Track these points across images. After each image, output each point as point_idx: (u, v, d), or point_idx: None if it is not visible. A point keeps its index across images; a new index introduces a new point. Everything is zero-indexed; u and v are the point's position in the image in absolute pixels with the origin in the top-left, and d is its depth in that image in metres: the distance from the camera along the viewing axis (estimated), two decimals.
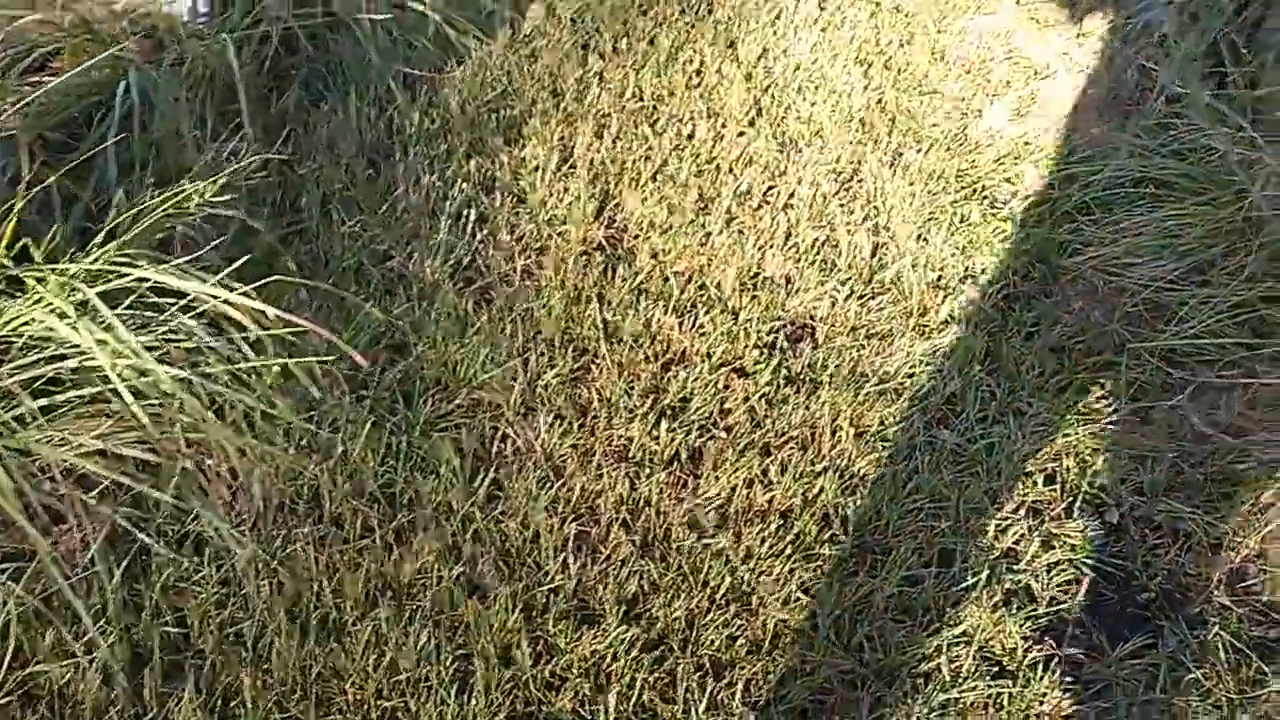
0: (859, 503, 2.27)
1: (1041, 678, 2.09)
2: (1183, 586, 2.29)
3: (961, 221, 2.86)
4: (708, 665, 1.96)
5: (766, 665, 1.98)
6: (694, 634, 2.00)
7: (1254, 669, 2.13)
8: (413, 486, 2.09)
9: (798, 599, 2.08)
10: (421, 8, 2.70)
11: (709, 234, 2.66)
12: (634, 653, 1.94)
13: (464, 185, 2.62)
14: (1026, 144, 3.07)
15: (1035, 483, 2.39)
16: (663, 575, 2.05)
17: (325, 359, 2.01)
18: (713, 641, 1.99)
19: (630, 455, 2.22)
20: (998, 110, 3.16)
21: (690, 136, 2.88)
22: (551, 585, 2.00)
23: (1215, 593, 2.27)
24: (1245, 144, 2.47)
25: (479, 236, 2.53)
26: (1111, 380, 2.54)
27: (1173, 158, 2.74)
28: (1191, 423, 2.35)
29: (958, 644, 2.10)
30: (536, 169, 2.68)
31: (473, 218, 2.56)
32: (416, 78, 2.82)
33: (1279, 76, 2.57)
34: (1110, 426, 2.47)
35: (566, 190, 2.65)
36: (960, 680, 2.05)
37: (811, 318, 2.60)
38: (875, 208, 2.84)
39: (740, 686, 1.94)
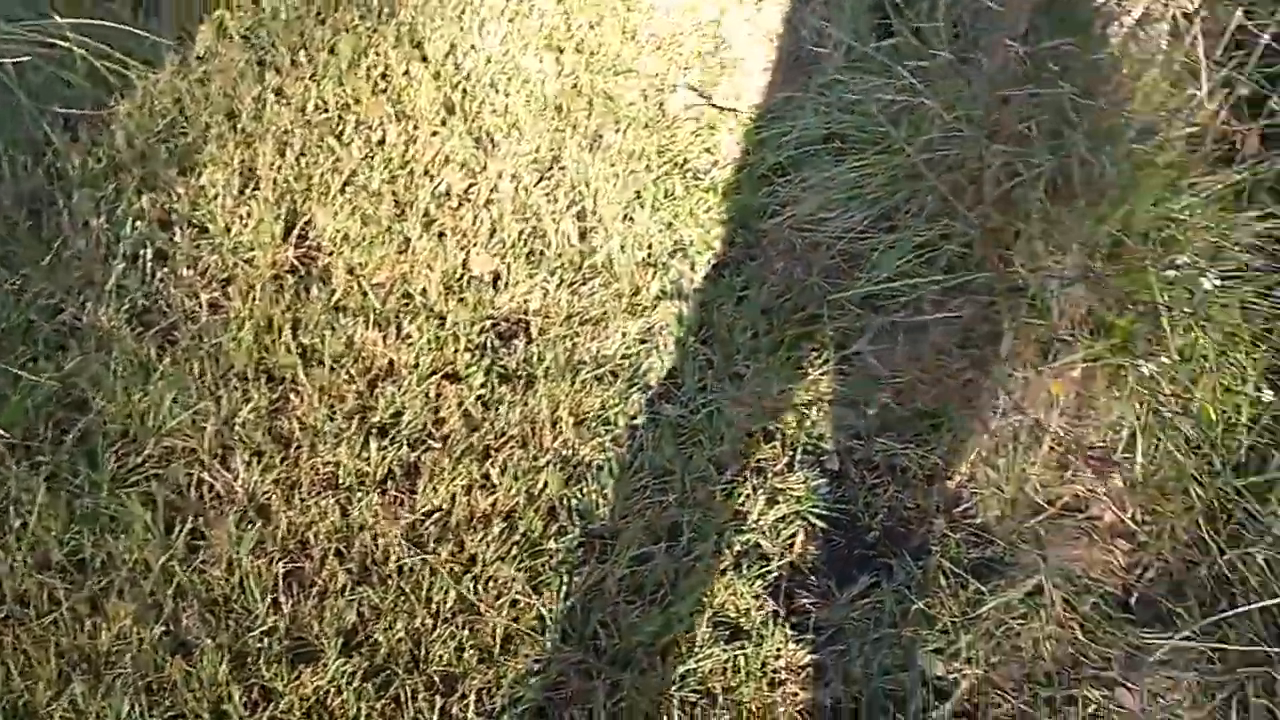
0: (585, 491, 2.26)
1: (775, 633, 2.13)
2: (904, 521, 2.38)
3: (666, 197, 2.88)
4: (437, 682, 1.91)
5: (498, 671, 1.94)
6: (421, 652, 1.95)
7: (972, 590, 2.22)
8: (104, 549, 1.96)
9: (527, 599, 2.05)
10: (68, 45, 2.53)
11: (408, 240, 2.60)
12: (356, 683, 1.87)
13: (138, 224, 2.48)
14: (721, 113, 3.12)
15: (757, 442, 2.43)
16: (383, 599, 1.99)
17: None
18: (441, 657, 1.94)
19: (340, 481, 2.15)
20: (691, 83, 3.21)
21: (381, 143, 2.81)
22: (263, 628, 1.91)
23: (934, 522, 2.36)
24: (908, 91, 2.57)
25: (159, 276, 2.40)
26: (819, 333, 2.60)
27: (850, 112, 2.83)
28: (869, 364, 2.43)
29: (691, 614, 2.12)
30: (216, 197, 2.56)
31: (149, 257, 2.42)
32: (77, 117, 2.65)
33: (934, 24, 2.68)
34: (822, 377, 2.53)
35: (250, 214, 2.54)
36: (696, 649, 2.06)
37: (524, 312, 2.57)
38: (579, 193, 2.83)
39: (472, 698, 1.90)
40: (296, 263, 2.53)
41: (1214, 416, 2.20)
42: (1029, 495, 2.33)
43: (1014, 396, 2.32)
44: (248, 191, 2.62)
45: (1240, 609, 2.03)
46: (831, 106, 2.90)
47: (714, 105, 3.11)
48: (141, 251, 2.42)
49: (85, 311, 2.29)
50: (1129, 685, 2.10)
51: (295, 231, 2.56)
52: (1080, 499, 2.35)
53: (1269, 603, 1.97)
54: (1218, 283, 2.19)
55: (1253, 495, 2.14)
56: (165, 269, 2.42)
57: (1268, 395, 2.13)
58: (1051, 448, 2.33)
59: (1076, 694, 2.09)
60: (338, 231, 2.58)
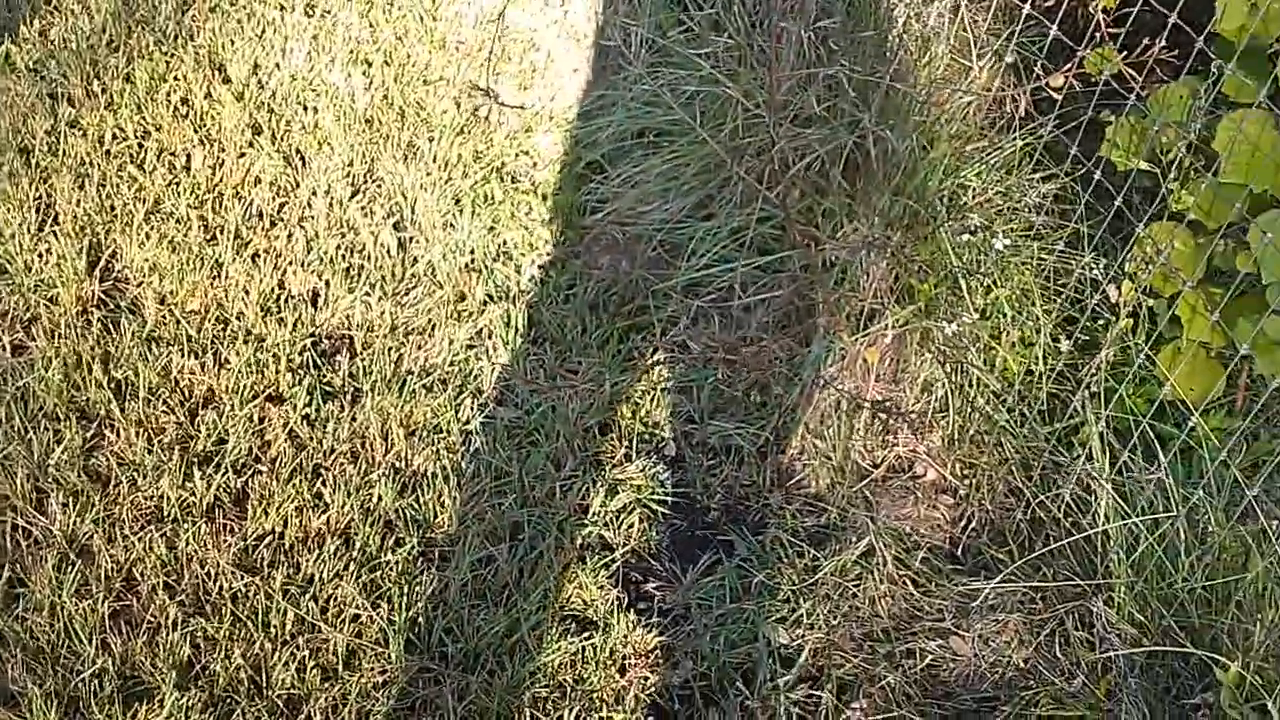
0: (421, 500, 2.25)
1: (621, 620, 2.15)
2: (742, 498, 2.43)
3: (485, 201, 2.89)
4: (280, 706, 1.88)
5: (344, 688, 1.92)
6: (262, 678, 1.91)
7: (810, 558, 2.29)
8: None
9: (368, 613, 2.03)
10: None
11: (220, 265, 2.55)
12: (196, 716, 1.83)
13: None
14: (536, 115, 3.14)
15: (594, 436, 2.45)
16: (218, 628, 1.95)
17: None
18: (283, 680, 1.91)
19: (165, 514, 2.09)
20: (504, 87, 3.22)
21: (185, 168, 2.75)
22: (92, 670, 1.85)
23: (770, 496, 2.42)
24: (709, 81, 2.63)
25: None
26: (646, 323, 2.65)
27: (659, 105, 2.89)
28: (690, 347, 2.49)
29: (537, 611, 2.13)
30: (13, 235, 2.47)
31: None
32: None
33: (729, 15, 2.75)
34: (653, 367, 2.57)
35: (50, 250, 2.45)
36: (544, 645, 2.07)
37: (346, 327, 2.54)
38: (396, 204, 2.82)
39: (319, 718, 1.88)
40: (104, 296, 2.46)
41: (1016, 369, 2.32)
42: (855, 461, 2.42)
43: (833, 368, 2.40)
44: (46, 227, 2.53)
45: (1053, 545, 2.14)
46: (640, 101, 2.95)
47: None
48: None
49: None
50: (961, 633, 2.19)
51: (100, 265, 2.49)
52: (903, 460, 2.44)
53: (1076, 536, 2.08)
54: (1008, 243, 2.30)
55: (1058, 441, 2.26)
56: None
57: (1064, 345, 2.25)
58: (872, 414, 2.42)
59: (914, 646, 2.17)
60: (145, 261, 2.51)
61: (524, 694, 2.00)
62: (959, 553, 2.32)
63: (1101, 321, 2.25)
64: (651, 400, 2.53)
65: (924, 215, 2.24)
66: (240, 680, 1.89)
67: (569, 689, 2.05)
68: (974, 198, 2.35)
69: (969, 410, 2.39)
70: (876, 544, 2.27)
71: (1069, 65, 2.21)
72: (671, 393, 2.56)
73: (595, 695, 2.04)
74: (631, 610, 2.18)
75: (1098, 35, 2.13)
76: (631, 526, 2.33)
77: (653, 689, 2.09)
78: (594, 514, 2.32)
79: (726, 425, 2.51)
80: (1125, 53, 2.14)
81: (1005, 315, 2.31)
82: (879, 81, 2.34)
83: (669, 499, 2.39)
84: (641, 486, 2.39)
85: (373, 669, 1.96)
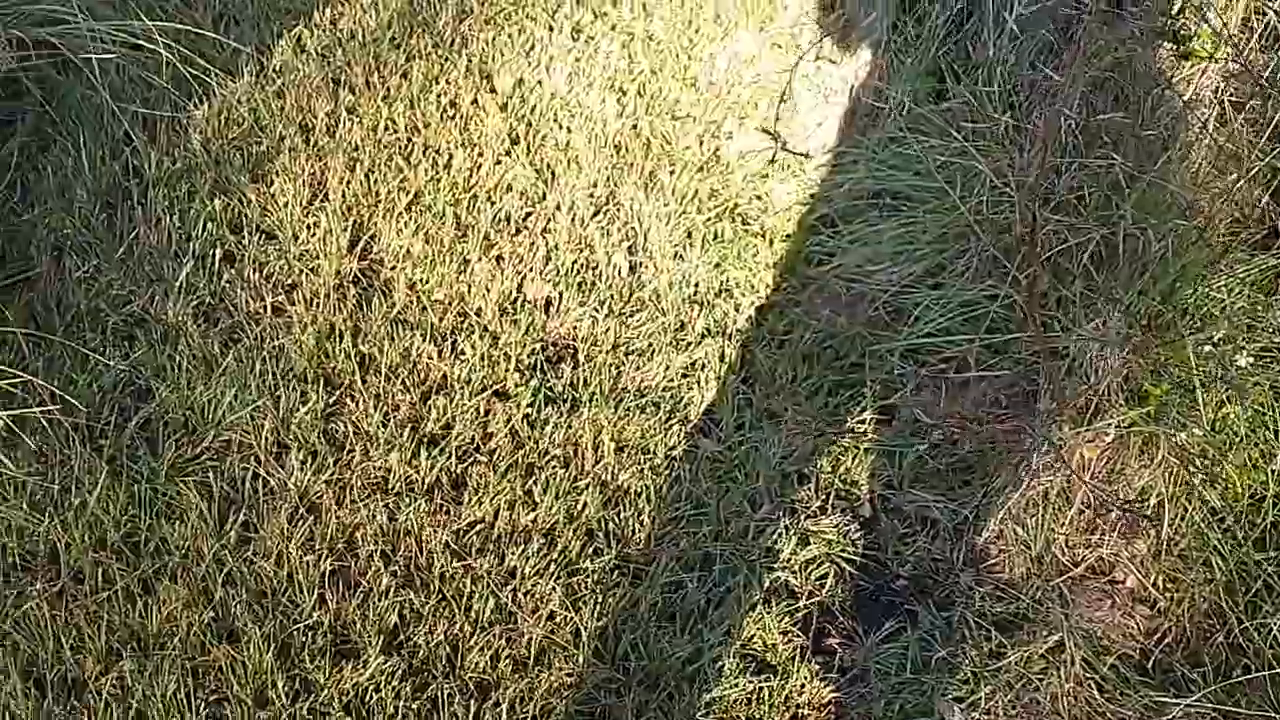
0: (622, 515, 2.32)
1: (800, 669, 2.17)
2: (931, 571, 2.42)
3: (715, 238, 2.95)
4: (471, 688, 1.97)
5: (532, 682, 1.99)
6: (458, 658, 2.00)
7: (995, 643, 2.27)
8: (158, 534, 2.03)
9: (561, 615, 2.10)
10: (156, 47, 2.63)
11: (467, 261, 2.68)
12: (394, 683, 1.92)
13: (209, 225, 2.57)
14: (773, 163, 3.20)
15: (792, 484, 2.48)
16: (424, 603, 2.05)
17: (49, 409, 1.93)
18: (476, 664, 2.00)
19: (389, 486, 2.21)
20: (746, 132, 3.29)
21: (447, 166, 2.90)
22: (308, 622, 1.97)
23: (961, 574, 2.40)
24: (961, 154, 2.64)
25: (226, 276, 2.48)
26: (858, 381, 2.66)
27: (904, 170, 2.91)
28: (914, 416, 2.49)
29: (720, 644, 2.17)
30: (286, 205, 2.65)
31: (218, 257, 2.51)
32: (157, 118, 2.75)
33: (989, 90, 2.76)
34: (858, 425, 2.59)
35: (318, 225, 2.63)
36: (722, 678, 2.11)
37: (573, 338, 2.64)
38: (632, 229, 2.91)
39: (505, 706, 1.95)
40: (360, 274, 2.61)
41: (1240, 490, 2.25)
42: (1055, 555, 2.38)
43: (1047, 457, 2.37)
44: (316, 203, 2.71)
45: (1253, 675, 2.07)
46: (885, 163, 2.98)
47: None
48: (211, 252, 2.51)
49: (154, 305, 2.37)
50: None
51: (360, 245, 2.64)
52: (1105, 562, 2.39)
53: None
54: (1251, 360, 2.24)
55: (1272, 568, 2.18)
56: (232, 270, 2.51)
57: None
58: (1081, 510, 2.38)
59: None
60: (401, 247, 2.66)
61: None
62: (1149, 666, 2.26)
63: None
64: (853, 458, 2.54)
65: (1167, 319, 2.21)
66: (439, 657, 1.98)
67: None
68: (1221, 310, 2.30)
69: (1182, 523, 2.33)
70: (1067, 641, 2.23)
71: None
72: (874, 454, 2.57)
73: None
74: (811, 661, 2.20)
75: None
76: (819, 579, 2.35)
77: None
78: (784, 560, 2.34)
79: (925, 496, 2.50)
80: None
81: (1238, 433, 2.25)
82: (1139, 176, 2.31)
83: (858, 559, 2.40)
84: (833, 542, 2.41)
85: (561, 669, 2.03)
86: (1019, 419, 2.48)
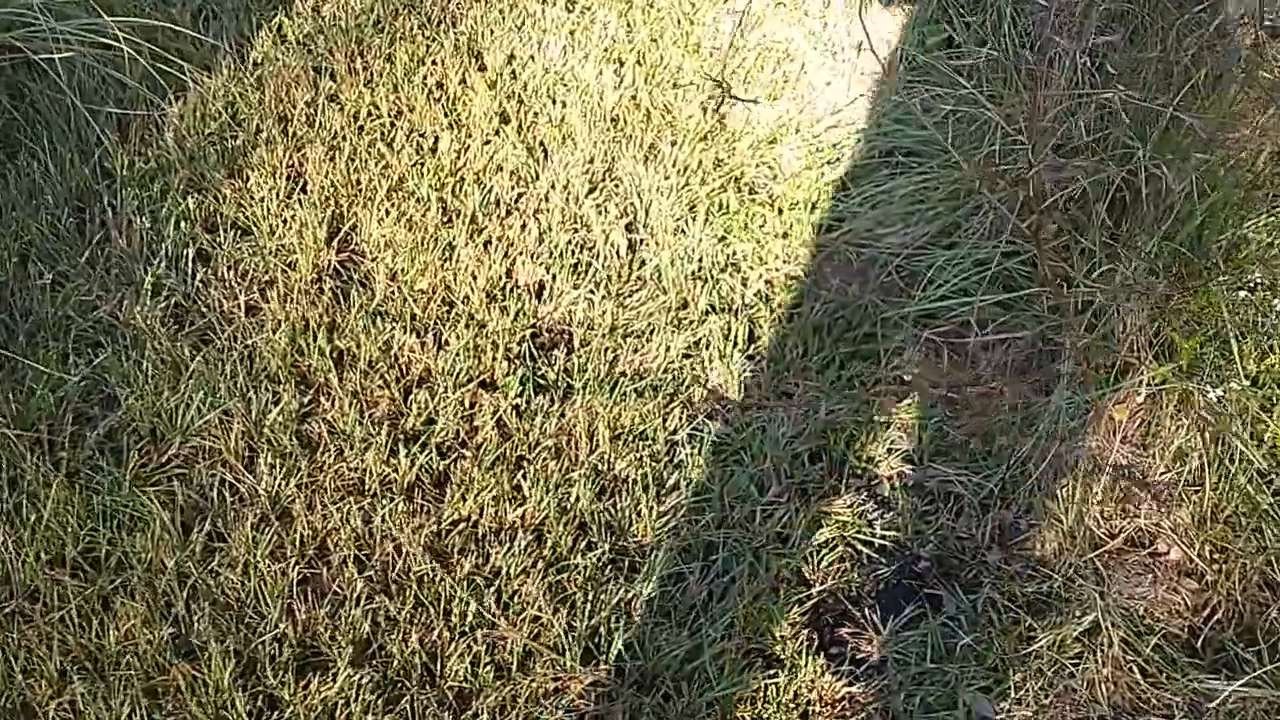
0: (618, 506, 2.19)
1: (810, 663, 2.02)
2: (956, 551, 2.26)
3: (720, 210, 2.80)
4: (450, 698, 1.85)
5: (514, 690, 1.87)
6: (436, 666, 1.88)
7: (1025, 627, 2.10)
8: (120, 547, 1.93)
9: (549, 615, 1.97)
10: (130, 46, 2.54)
11: (453, 248, 2.56)
12: (366, 695, 1.81)
13: (182, 224, 2.47)
14: (782, 127, 3.03)
15: (803, 464, 2.33)
16: (400, 610, 1.93)
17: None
18: (456, 672, 1.87)
19: (365, 488, 2.10)
20: (753, 96, 3.13)
21: (432, 150, 2.78)
22: (275, 634, 1.86)
23: (988, 553, 2.24)
24: (970, 102, 2.46)
25: (199, 276, 2.39)
26: (871, 352, 2.50)
27: (913, 125, 2.74)
28: (915, 383, 2.32)
29: (721, 639, 2.02)
30: (262, 199, 2.55)
31: (191, 256, 2.41)
32: (130, 118, 2.66)
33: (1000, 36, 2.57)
34: (874, 398, 2.43)
35: (295, 218, 2.52)
36: (723, 676, 1.97)
37: (566, 323, 2.51)
38: (631, 205, 2.77)
39: (486, 716, 1.83)
40: (339, 267, 2.50)
41: None
42: (1089, 528, 2.20)
43: (1074, 423, 2.19)
44: (294, 195, 2.60)
45: None
46: (892, 119, 2.81)
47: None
48: (184, 252, 2.41)
49: (122, 309, 2.28)
50: None
51: (340, 236, 2.53)
52: (1144, 534, 2.21)
53: None
54: None
55: None
56: (206, 270, 2.41)
57: None
58: (1114, 477, 2.20)
59: None
60: (382, 237, 2.55)
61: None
62: (1198, 645, 2.08)
63: None
64: (868, 434, 2.38)
65: (1196, 265, 2.01)
66: (414, 665, 1.87)
67: None
68: (1256, 252, 2.10)
69: (1227, 487, 2.14)
70: (1103, 621, 2.06)
71: None
72: (891, 429, 2.40)
73: None
74: (822, 654, 2.05)
75: None
76: (832, 565, 2.19)
77: None
78: (793, 545, 2.19)
79: (947, 470, 2.34)
80: None
81: None
82: (1160, 112, 2.12)
83: (875, 541, 2.24)
84: (848, 524, 2.25)
85: (546, 674, 1.90)
86: (1042, 382, 2.31)
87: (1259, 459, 2.07)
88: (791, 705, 1.96)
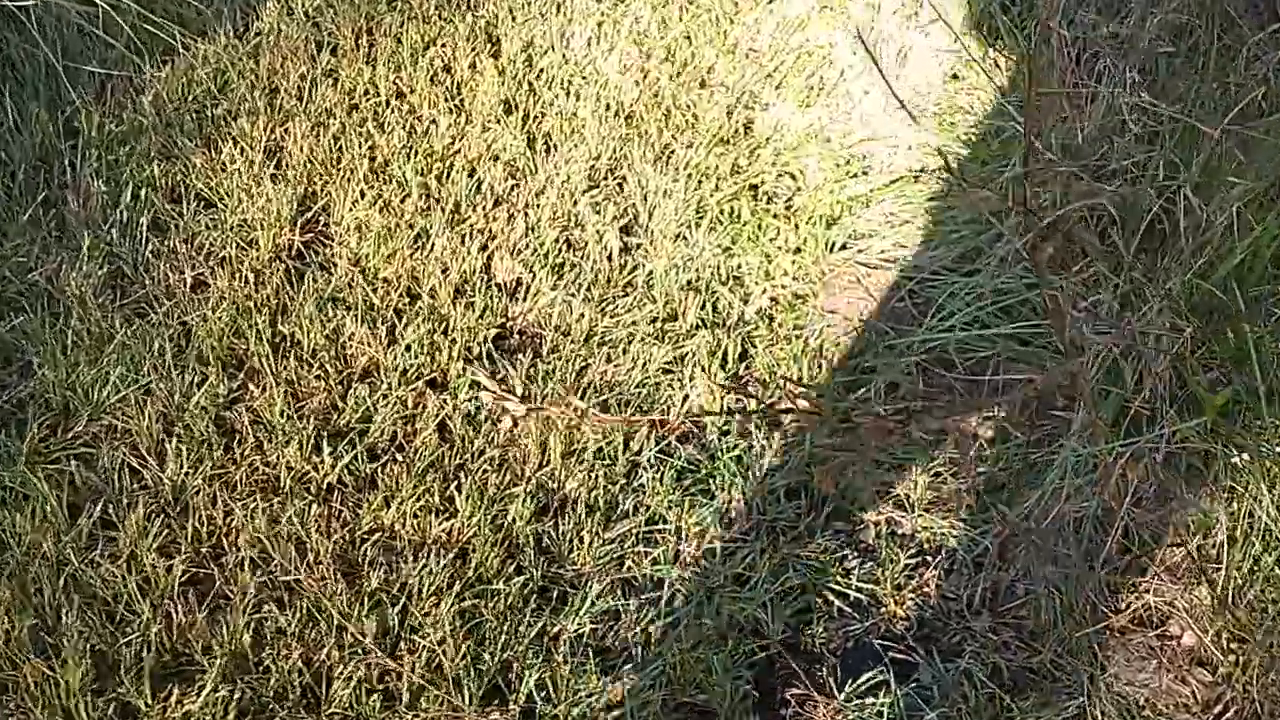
0: (560, 529, 1.98)
1: None
2: (940, 614, 2.01)
3: (729, 219, 2.59)
4: None
5: None
6: (320, 690, 1.69)
7: (1001, 705, 1.84)
8: (3, 528, 1.78)
9: (455, 644, 1.77)
10: (106, 4, 2.42)
11: (428, 235, 2.38)
12: (232, 713, 1.62)
13: (143, 191, 2.33)
14: (812, 136, 2.81)
15: (778, 499, 2.10)
16: (290, 623, 1.75)
17: None
18: (340, 698, 1.68)
19: (279, 485, 1.92)
20: (786, 102, 2.91)
21: (425, 134, 2.61)
22: (144, 637, 1.68)
23: (974, 619, 1.98)
24: (1006, 116, 2.21)
25: (150, 247, 2.24)
26: (871, 383, 2.26)
27: (951, 139, 2.49)
28: (925, 424, 2.07)
29: (650, 687, 1.80)
30: (233, 172, 2.40)
31: (146, 225, 2.27)
32: (112, 79, 2.54)
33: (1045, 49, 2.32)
34: (869, 434, 2.18)
35: (263, 193, 2.37)
36: None
37: (540, 325, 2.31)
38: (632, 206, 2.57)
39: None
40: (302, 248, 2.34)
41: None
42: (1090, 598, 1.93)
43: (1080, 480, 1.92)
44: (268, 170, 2.45)
45: None
46: (931, 132, 2.56)
47: (807, 126, 2.78)
48: (139, 219, 2.28)
49: (59, 274, 2.14)
50: None
51: (309, 216, 2.38)
52: (1153, 611, 1.93)
53: None
54: None
55: None
56: (160, 240, 2.27)
57: None
58: (1123, 544, 1.92)
59: None
60: (354, 220, 2.38)
61: None
62: None
63: None
64: (855, 474, 2.14)
65: (1231, 309, 1.74)
66: (293, 685, 1.68)
67: None
68: None
69: (1252, 565, 1.86)
70: (1090, 710, 1.79)
71: None
72: (883, 470, 2.15)
73: None
74: (758, 717, 1.81)
75: None
76: (793, 616, 1.96)
77: None
78: (752, 588, 1.96)
79: (940, 523, 2.09)
80: None
81: None
82: (1209, 135, 1.85)
83: (850, 594, 1.99)
84: (820, 571, 2.01)
85: (444, 709, 1.70)
86: (1052, 431, 2.04)
87: None
88: None
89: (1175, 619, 1.92)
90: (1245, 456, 1.71)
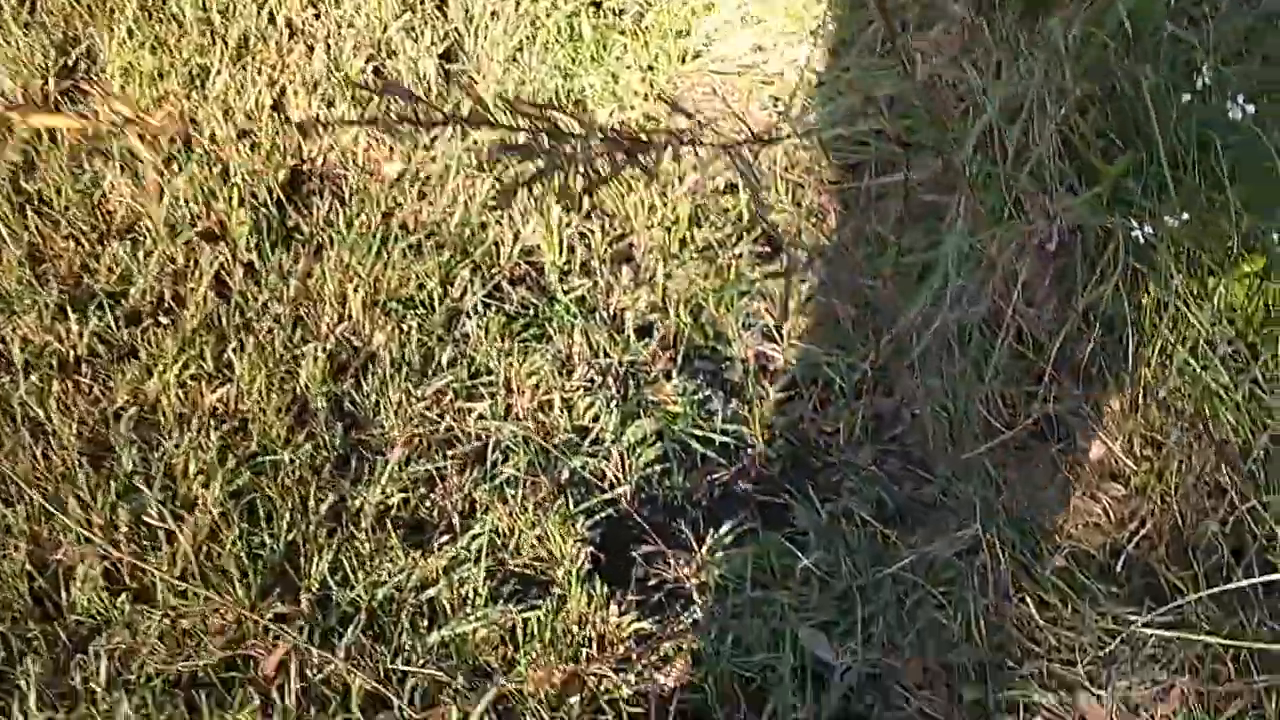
0: (362, 389, 1.68)
1: (586, 591, 1.51)
2: (817, 449, 1.75)
3: (568, 36, 2.25)
4: (65, 638, 1.35)
5: (148, 631, 1.37)
6: (61, 594, 1.40)
7: (887, 543, 1.58)
8: None
9: (231, 529, 1.48)
10: None
11: (207, 73, 2.03)
12: None
13: None
14: None
15: (629, 338, 1.81)
16: (14, 522, 1.44)
17: None
18: (81, 603, 1.38)
19: (10, 361, 1.60)
20: None
21: None
22: None
23: (855, 453, 1.72)
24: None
25: None
26: (736, 203, 1.96)
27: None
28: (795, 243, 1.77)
29: (471, 560, 1.52)
30: None
31: None
32: None
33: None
34: (731, 260, 1.90)
35: (13, 41, 2.01)
36: (467, 606, 1.47)
37: (341, 165, 1.99)
38: (454, 29, 2.23)
39: (105, 660, 1.34)
40: (60, 98, 1.99)
41: (1245, 303, 1.50)
42: (982, 413, 1.66)
43: (962, 277, 1.64)
44: (22, 16, 2.08)
45: (1259, 580, 1.35)
46: None
47: None
48: None
49: None
50: (1095, 688, 1.43)
51: (68, 62, 2.02)
52: (1054, 422, 1.67)
53: None
54: None
55: None
56: None
57: None
58: (1015, 349, 1.66)
59: (1018, 696, 1.44)
60: (121, 64, 2.03)
61: (419, 669, 1.40)
62: (1119, 567, 1.55)
63: None
64: (722, 303, 1.85)
65: (1129, 66, 1.44)
66: (20, 592, 1.37)
67: (490, 673, 1.43)
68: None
69: (1166, 361, 1.60)
70: (986, 538, 1.53)
71: None
72: (752, 297, 1.87)
73: (523, 691, 1.42)
74: (606, 584, 1.53)
75: None
76: (648, 466, 1.67)
77: (610, 691, 1.44)
78: (594, 440, 1.67)
79: (816, 348, 1.81)
80: None
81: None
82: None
83: (715, 438, 1.71)
84: (678, 416, 1.72)
85: (205, 612, 1.40)
86: (931, 233, 1.76)
87: (1203, 323, 1.52)
88: (554, 645, 1.46)
89: (1079, 428, 1.66)
90: (1149, 230, 1.43)
